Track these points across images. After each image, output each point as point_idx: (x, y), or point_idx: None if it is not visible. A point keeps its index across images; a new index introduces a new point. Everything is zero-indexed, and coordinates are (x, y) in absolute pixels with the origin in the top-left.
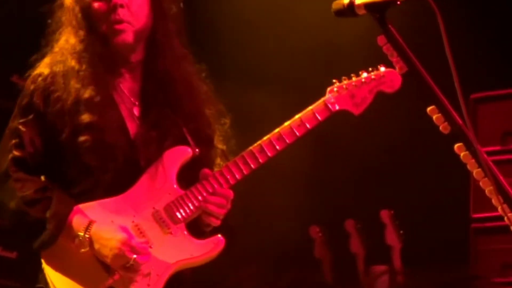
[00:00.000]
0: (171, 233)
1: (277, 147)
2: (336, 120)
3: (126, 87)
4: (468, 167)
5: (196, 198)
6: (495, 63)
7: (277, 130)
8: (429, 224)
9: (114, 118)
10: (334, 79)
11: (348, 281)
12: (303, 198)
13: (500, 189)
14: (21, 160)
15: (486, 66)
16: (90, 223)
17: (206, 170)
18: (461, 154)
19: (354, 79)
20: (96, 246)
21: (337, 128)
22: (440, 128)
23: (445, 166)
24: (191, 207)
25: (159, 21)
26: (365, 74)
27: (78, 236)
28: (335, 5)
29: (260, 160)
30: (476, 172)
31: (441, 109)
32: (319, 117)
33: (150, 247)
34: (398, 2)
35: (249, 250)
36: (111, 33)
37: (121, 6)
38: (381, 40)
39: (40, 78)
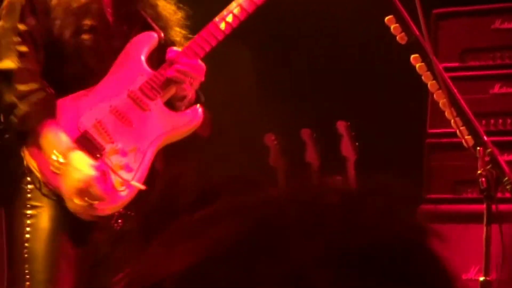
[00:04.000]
0: (150, 109)
1: (240, 18)
2: (291, 29)
3: None
4: (423, 78)
5: (169, 73)
6: None
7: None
8: (385, 138)
9: (103, 21)
10: None
11: None
12: (258, 106)
13: (453, 102)
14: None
15: None
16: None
17: (172, 48)
18: (417, 65)
19: None
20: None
21: (291, 37)
22: (397, 38)
23: (404, 79)
24: (166, 83)
25: None
26: None
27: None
28: None
29: (225, 31)
30: (430, 84)
31: (399, 19)
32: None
33: (131, 126)
34: None
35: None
36: None
37: None
38: None
39: None
